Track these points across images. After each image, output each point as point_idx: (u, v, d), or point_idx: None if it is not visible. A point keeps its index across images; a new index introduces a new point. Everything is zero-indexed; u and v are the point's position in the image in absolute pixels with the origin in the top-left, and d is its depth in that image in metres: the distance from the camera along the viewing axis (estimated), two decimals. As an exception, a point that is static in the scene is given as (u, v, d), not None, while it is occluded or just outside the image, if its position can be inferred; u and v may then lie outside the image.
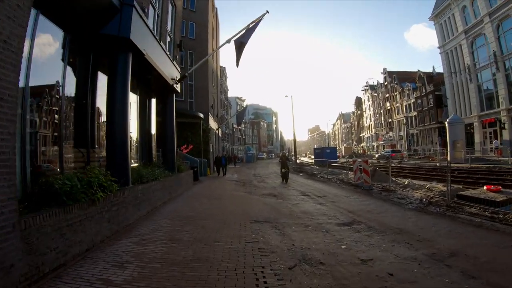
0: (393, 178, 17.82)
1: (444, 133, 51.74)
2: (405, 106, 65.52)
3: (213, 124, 31.25)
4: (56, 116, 6.62)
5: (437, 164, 27.31)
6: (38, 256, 3.90)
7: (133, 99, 12.02)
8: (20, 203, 4.02)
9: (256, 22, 14.44)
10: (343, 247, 5.57)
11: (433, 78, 57.08)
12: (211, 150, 27.98)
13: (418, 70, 60.60)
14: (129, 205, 7.26)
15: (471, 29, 40.91)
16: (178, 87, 14.48)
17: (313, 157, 75.08)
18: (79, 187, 5.00)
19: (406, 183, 15.37)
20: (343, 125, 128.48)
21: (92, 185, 5.38)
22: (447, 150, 42.02)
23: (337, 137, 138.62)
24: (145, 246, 5.52)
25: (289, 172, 19.29)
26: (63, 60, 6.88)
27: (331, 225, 7.31)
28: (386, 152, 50.72)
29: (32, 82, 5.47)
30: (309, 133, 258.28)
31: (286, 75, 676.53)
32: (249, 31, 14.47)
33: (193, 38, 28.19)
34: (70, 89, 7.26)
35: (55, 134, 6.61)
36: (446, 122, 37.94)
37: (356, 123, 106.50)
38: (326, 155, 41.95)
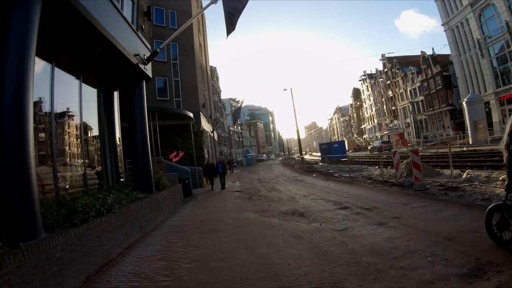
0: (438, 170, 14.07)
1: (456, 115, 48.39)
2: (410, 91, 61.77)
3: (206, 126, 27.34)
4: None
5: (464, 149, 23.54)
6: None
7: (84, 91, 8.17)
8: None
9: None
10: None
11: (437, 59, 53.47)
12: (206, 156, 24.06)
13: (422, 51, 56.78)
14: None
15: (478, 1, 37.39)
16: (149, 71, 10.59)
17: (317, 154, 71.73)
18: None
19: (464, 176, 11.51)
20: (341, 119, 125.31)
21: None
22: (462, 133, 38.76)
23: (335, 131, 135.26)
24: None
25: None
26: None
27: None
28: (377, 143, 51.64)
29: None
30: (306, 130, 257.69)
31: (279, 74, 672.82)
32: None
33: (176, 28, 24.30)
34: None
35: None
36: (464, 102, 34.65)
37: (355, 115, 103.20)
38: (334, 151, 38.45)
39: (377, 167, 22.17)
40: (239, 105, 31.91)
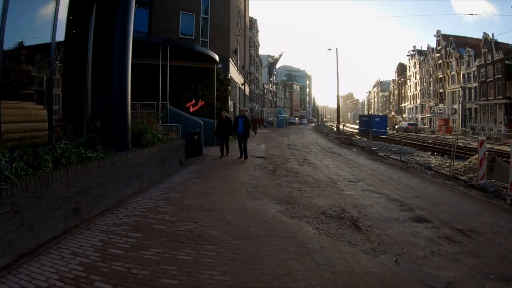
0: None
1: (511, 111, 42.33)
2: (463, 75, 54.52)
3: (236, 76, 23.74)
4: None
5: None
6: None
7: None
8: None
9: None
10: None
11: (499, 45, 46.25)
12: (232, 110, 20.71)
13: (485, 33, 49.21)
14: None
15: None
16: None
17: (351, 125, 66.97)
18: None
19: None
20: (380, 94, 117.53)
21: None
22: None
23: (372, 106, 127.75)
24: None
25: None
26: None
27: None
28: (403, 124, 51.38)
29: None
30: (342, 100, 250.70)
31: (320, 37, 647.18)
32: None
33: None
34: None
35: None
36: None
37: (396, 92, 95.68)
38: (374, 125, 34.17)
39: (429, 154, 18.38)
40: (277, 57, 27.91)
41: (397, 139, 29.41)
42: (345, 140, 23.24)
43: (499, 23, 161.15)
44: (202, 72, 17.18)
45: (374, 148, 18.03)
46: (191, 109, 17.33)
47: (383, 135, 30.82)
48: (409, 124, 53.51)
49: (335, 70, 35.29)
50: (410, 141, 26.42)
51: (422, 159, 15.22)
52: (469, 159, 10.83)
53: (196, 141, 11.74)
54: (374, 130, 30.35)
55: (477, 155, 10.56)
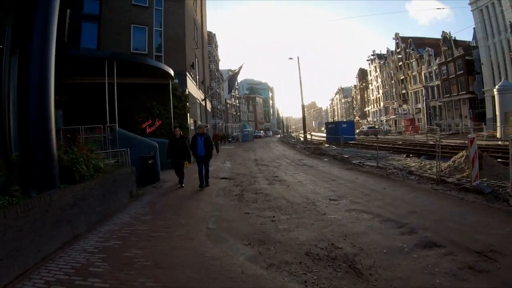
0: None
1: (476, 105, 43.84)
2: (425, 74, 56.45)
3: (195, 91, 22.46)
4: None
5: (500, 143, 19.00)
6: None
7: None
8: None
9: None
10: None
11: (457, 42, 48.32)
12: (192, 127, 19.36)
13: (443, 31, 51.27)
14: None
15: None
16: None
17: (318, 134, 66.97)
18: None
19: None
20: (343, 100, 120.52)
21: None
22: (484, 125, 34.50)
23: (336, 112, 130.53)
24: None
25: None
26: None
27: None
28: (363, 128, 53.17)
29: None
30: (306, 109, 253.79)
31: (280, 49, 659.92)
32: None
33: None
34: None
35: None
36: (495, 90, 30.20)
37: (358, 97, 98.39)
38: (342, 131, 33.92)
39: (404, 156, 17.89)
40: (237, 70, 26.97)
41: (366, 143, 29.23)
42: (314, 150, 22.45)
43: (453, 23, 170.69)
44: (157, 89, 15.84)
45: (346, 156, 17.34)
46: (148, 130, 15.95)
47: (352, 141, 30.56)
48: (368, 127, 55.54)
49: (297, 79, 34.87)
50: (381, 145, 26.16)
51: (399, 163, 14.60)
52: (452, 159, 10.17)
53: (151, 166, 10.34)
54: (342, 137, 30.10)
55: (460, 154, 10.01)
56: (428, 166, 12.62)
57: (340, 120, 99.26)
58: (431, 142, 25.36)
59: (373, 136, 43.81)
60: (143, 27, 17.66)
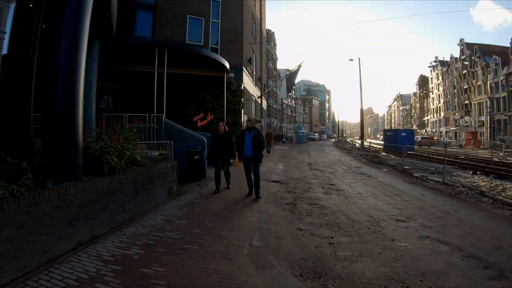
0: None
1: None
2: (490, 84, 50.89)
3: (251, 88, 21.58)
4: None
5: None
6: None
7: None
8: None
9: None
10: None
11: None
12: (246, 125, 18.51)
13: None
14: None
15: None
16: None
17: (373, 140, 63.51)
18: None
19: None
20: (401, 108, 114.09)
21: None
22: None
23: (393, 120, 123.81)
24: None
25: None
26: None
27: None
28: (417, 138, 49.19)
29: None
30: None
31: (339, 52, 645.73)
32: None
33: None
34: None
35: None
36: None
37: (417, 105, 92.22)
38: (400, 140, 31.38)
39: (471, 173, 15.61)
40: (296, 68, 25.72)
41: (425, 154, 26.62)
42: (372, 158, 20.58)
43: None
44: (211, 81, 15.10)
45: (407, 167, 15.44)
46: (199, 124, 15.26)
47: (410, 151, 28.09)
48: (422, 137, 54.35)
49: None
50: (441, 158, 23.67)
51: (466, 180, 12.59)
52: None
53: (197, 162, 9.48)
54: (401, 146, 27.78)
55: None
56: (500, 188, 10.81)
57: (397, 128, 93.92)
58: (496, 159, 22.44)
59: (426, 146, 40.84)
60: (200, 18, 17.12)
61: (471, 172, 15.79)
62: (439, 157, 24.08)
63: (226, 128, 8.41)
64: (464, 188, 10.28)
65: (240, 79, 17.51)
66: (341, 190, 9.21)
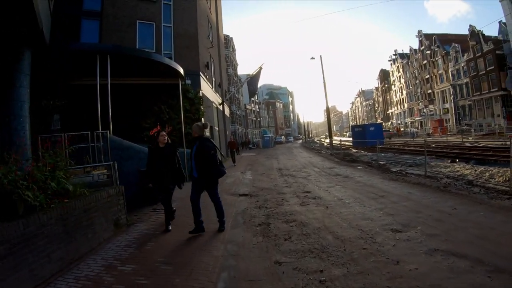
0: None
1: (509, 103, 40.30)
2: (452, 72, 52.90)
3: (211, 94, 20.46)
4: None
5: None
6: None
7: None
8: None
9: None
10: None
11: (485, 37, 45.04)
12: (208, 134, 17.34)
13: (470, 25, 47.87)
14: None
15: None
16: None
17: (339, 138, 64.03)
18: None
19: None
20: (364, 103, 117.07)
21: None
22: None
23: (357, 116, 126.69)
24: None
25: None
26: None
27: None
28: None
29: None
30: (325, 114, 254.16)
31: (298, 54, 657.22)
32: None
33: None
34: None
35: None
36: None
37: (380, 99, 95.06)
38: (369, 135, 31.36)
39: (449, 161, 15.31)
40: (256, 71, 24.86)
41: (395, 147, 26.51)
42: (344, 156, 20.00)
43: (474, 20, 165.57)
44: (166, 90, 13.87)
45: (382, 162, 14.92)
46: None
47: (380, 145, 28.03)
48: (383, 130, 54.11)
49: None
50: (412, 148, 23.62)
51: (447, 170, 12.13)
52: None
53: (148, 192, 8.26)
54: (371, 141, 27.67)
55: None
56: (487, 174, 10.32)
57: (362, 123, 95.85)
58: (468, 144, 22.69)
59: (388, 138, 41.84)
60: (150, 23, 15.88)
61: (449, 161, 15.45)
62: (411, 148, 24.03)
63: (169, 139, 6.29)
64: (449, 179, 9.76)
65: (198, 85, 16.36)
66: (319, 197, 8.29)
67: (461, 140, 27.22)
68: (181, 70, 12.55)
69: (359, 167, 14.83)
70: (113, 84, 9.83)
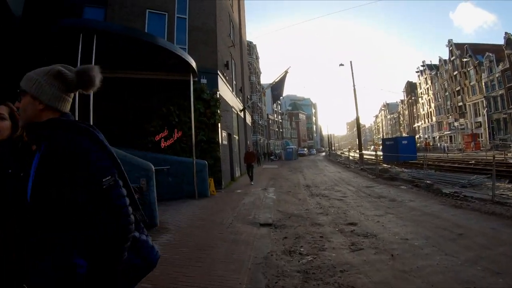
0: None
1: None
2: (485, 83, 48.99)
3: (230, 97, 18.14)
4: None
5: None
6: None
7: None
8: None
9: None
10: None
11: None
12: (225, 142, 14.91)
13: (506, 32, 44.03)
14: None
15: None
16: None
17: (367, 152, 60.58)
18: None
19: None
20: (388, 116, 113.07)
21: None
22: None
23: (381, 130, 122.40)
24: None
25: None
26: None
27: None
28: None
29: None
30: (348, 127, 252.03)
31: (324, 66, 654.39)
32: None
33: None
34: None
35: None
36: None
37: (406, 112, 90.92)
38: (402, 149, 28.26)
39: (506, 182, 12.39)
40: (282, 75, 22.53)
41: (429, 163, 23.48)
42: (380, 173, 17.17)
43: (500, 31, 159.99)
44: (177, 88, 11.66)
45: (429, 182, 12.16)
46: (163, 144, 11.91)
47: (412, 160, 25.05)
48: None
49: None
50: (450, 164, 20.77)
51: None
52: None
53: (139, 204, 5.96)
54: (402, 156, 24.79)
55: None
56: None
57: (385, 137, 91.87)
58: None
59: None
60: (162, 13, 13.74)
61: (506, 181, 12.55)
62: (448, 164, 21.13)
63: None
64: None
65: (215, 85, 14.04)
66: (373, 235, 5.68)
67: (503, 156, 23.92)
68: (194, 64, 10.26)
69: (402, 187, 12.14)
70: (106, 78, 7.63)
